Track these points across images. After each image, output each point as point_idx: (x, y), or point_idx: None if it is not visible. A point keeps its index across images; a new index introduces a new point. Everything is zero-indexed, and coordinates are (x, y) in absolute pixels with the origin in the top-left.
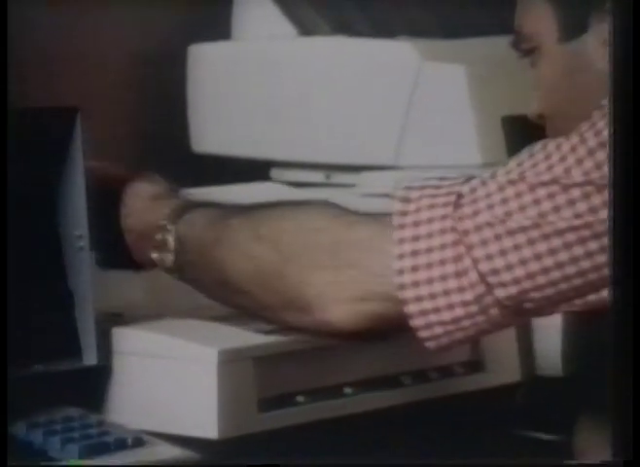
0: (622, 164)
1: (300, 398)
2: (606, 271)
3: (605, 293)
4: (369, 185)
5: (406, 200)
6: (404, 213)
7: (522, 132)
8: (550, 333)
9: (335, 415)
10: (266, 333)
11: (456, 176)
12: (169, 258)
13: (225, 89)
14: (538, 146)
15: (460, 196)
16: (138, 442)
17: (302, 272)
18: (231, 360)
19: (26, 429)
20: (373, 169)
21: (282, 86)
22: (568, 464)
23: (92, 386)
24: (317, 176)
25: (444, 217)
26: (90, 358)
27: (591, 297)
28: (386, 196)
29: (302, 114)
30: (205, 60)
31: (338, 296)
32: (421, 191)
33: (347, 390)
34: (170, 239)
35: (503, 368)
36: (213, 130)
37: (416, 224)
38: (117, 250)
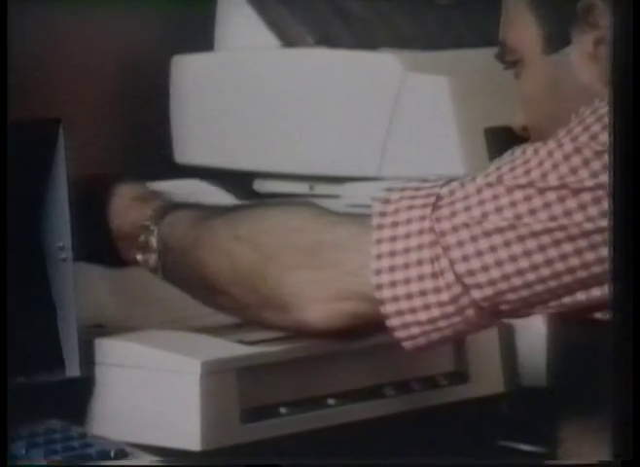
0: (621, 170)
1: (283, 409)
2: (580, 274)
3: (579, 296)
4: (352, 196)
5: (385, 202)
6: (383, 214)
7: (505, 144)
8: (534, 343)
9: (318, 427)
10: (249, 344)
11: (436, 178)
12: (152, 258)
13: (208, 100)
14: (517, 151)
15: (439, 197)
16: (121, 454)
17: (281, 272)
18: (213, 371)
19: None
20: (357, 180)
21: (265, 97)
22: (568, 464)
23: (75, 398)
24: (301, 187)
25: (422, 218)
26: (73, 370)
27: (566, 299)
28: (370, 206)
29: (285, 125)
30: (189, 71)
31: (316, 295)
32: (401, 192)
33: (330, 401)
34: (153, 240)
35: (487, 379)
36: (196, 141)
37: (395, 224)
38: (101, 247)
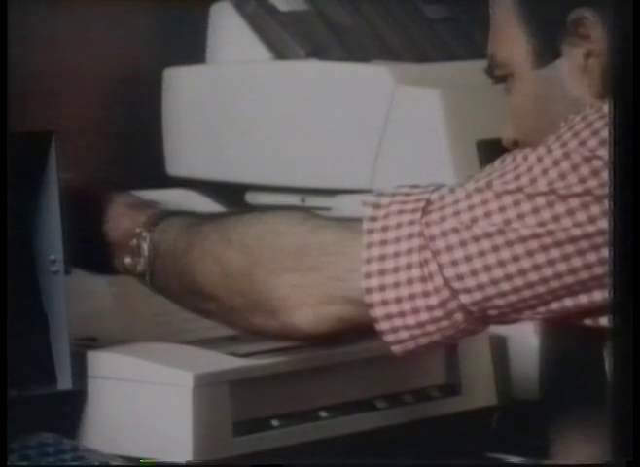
0: (621, 176)
1: (275, 422)
2: (567, 280)
3: (567, 302)
4: (344, 208)
5: (376, 206)
6: (373, 218)
7: (497, 155)
8: (526, 356)
9: (310, 439)
10: (242, 357)
11: (427, 184)
12: (142, 263)
13: (200, 113)
14: (508, 158)
15: (429, 202)
16: None
17: (268, 276)
18: (206, 384)
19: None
20: (348, 193)
21: (257, 109)
22: (569, 464)
23: (67, 411)
24: (292, 199)
25: (411, 222)
26: (65, 383)
27: (554, 305)
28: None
29: (276, 137)
30: (180, 84)
31: (304, 299)
32: (392, 197)
33: (322, 414)
34: (144, 246)
35: (479, 391)
36: (188, 154)
37: (385, 229)
38: (92, 254)
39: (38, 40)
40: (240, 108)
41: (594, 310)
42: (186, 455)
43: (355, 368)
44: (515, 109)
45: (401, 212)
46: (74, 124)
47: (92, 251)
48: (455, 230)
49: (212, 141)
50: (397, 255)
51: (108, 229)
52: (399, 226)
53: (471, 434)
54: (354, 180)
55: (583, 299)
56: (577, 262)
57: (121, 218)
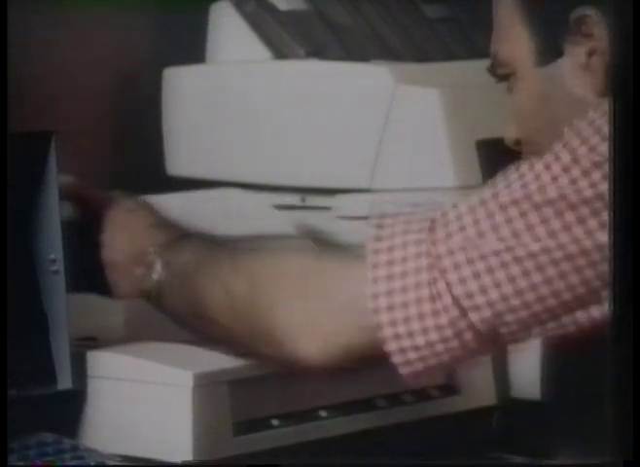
0: (621, 182)
1: (275, 421)
2: (579, 291)
3: (579, 315)
4: (344, 208)
5: (380, 226)
6: (378, 238)
7: (497, 155)
8: (526, 355)
9: (310, 439)
10: (242, 356)
11: (430, 204)
12: (152, 282)
13: (200, 113)
14: (511, 169)
15: (433, 221)
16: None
17: (272, 304)
18: (206, 384)
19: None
20: (349, 192)
21: (257, 109)
22: (568, 464)
23: (67, 411)
24: (293, 199)
25: (418, 241)
26: (65, 382)
27: (565, 319)
28: (361, 218)
29: (276, 137)
30: (180, 84)
31: (309, 329)
32: (395, 218)
33: (322, 414)
34: (158, 265)
35: (479, 391)
36: (188, 153)
37: (391, 249)
38: (95, 274)
39: (37, 40)
40: (240, 107)
41: (606, 325)
42: (186, 455)
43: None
44: (518, 108)
45: (406, 232)
46: (74, 123)
47: (104, 266)
48: (462, 247)
49: (212, 141)
50: (404, 274)
51: (127, 244)
52: (405, 245)
53: (470, 433)
54: (354, 180)
55: (595, 312)
56: (589, 273)
57: (141, 235)
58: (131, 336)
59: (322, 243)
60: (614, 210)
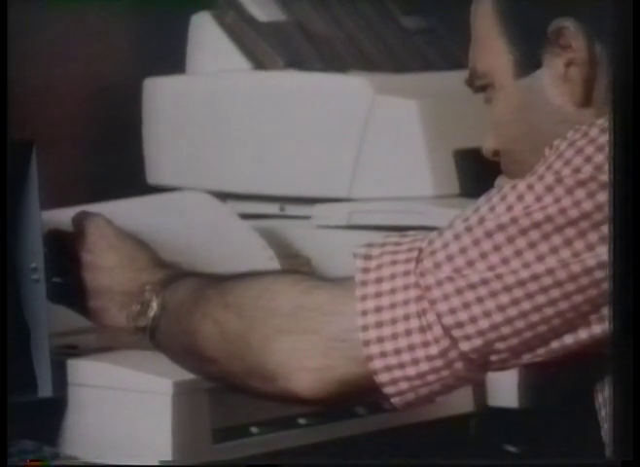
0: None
1: (254, 429)
2: (569, 316)
3: (567, 339)
4: (323, 217)
5: (367, 258)
6: (366, 270)
7: (474, 165)
8: None
9: (288, 446)
10: None
11: (415, 233)
12: (147, 319)
13: (179, 122)
14: (492, 191)
15: (421, 250)
16: None
17: (264, 339)
18: (185, 392)
19: None
20: (328, 201)
21: (236, 119)
22: (569, 464)
23: (48, 419)
24: (272, 208)
25: (406, 273)
26: (46, 390)
27: (555, 344)
28: (341, 227)
29: (256, 146)
30: (160, 94)
31: (302, 364)
32: (382, 248)
33: (301, 421)
34: (154, 303)
35: (456, 398)
36: (168, 163)
37: (379, 280)
38: (86, 299)
39: (19, 51)
40: (220, 117)
41: (593, 346)
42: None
43: None
44: (497, 118)
45: (394, 263)
46: (54, 133)
47: (99, 295)
48: (450, 278)
49: (192, 150)
50: (393, 306)
51: (126, 278)
52: (393, 277)
53: (448, 441)
54: (333, 189)
55: (583, 334)
56: (578, 298)
57: (141, 271)
58: (112, 344)
59: (310, 276)
60: (614, 227)
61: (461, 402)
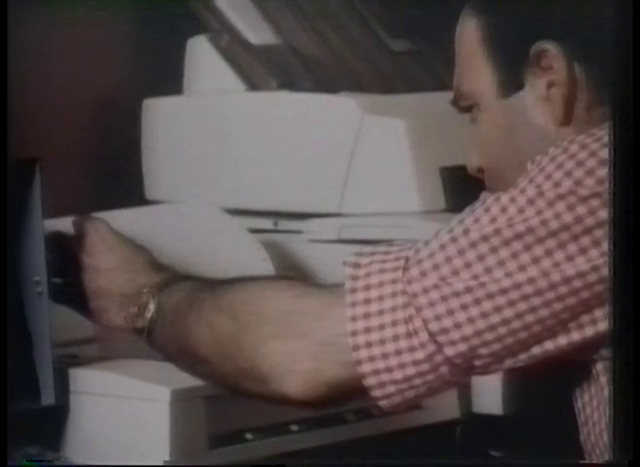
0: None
1: (249, 435)
2: (549, 323)
3: (547, 345)
4: (315, 231)
5: (356, 266)
6: (355, 278)
7: (460, 182)
8: None
9: (282, 452)
10: None
11: (403, 242)
12: (144, 320)
13: (177, 141)
14: (477, 203)
15: (407, 259)
16: None
17: (255, 343)
18: (182, 399)
19: None
20: (319, 216)
21: (231, 138)
22: (570, 464)
23: (51, 425)
24: (266, 223)
25: (393, 281)
26: (48, 398)
27: (535, 350)
28: (331, 241)
29: (250, 164)
30: (159, 114)
31: (292, 367)
32: (371, 257)
33: (294, 427)
34: (151, 305)
35: (441, 405)
36: (165, 179)
37: (367, 288)
38: (85, 299)
39: (22, 70)
40: (215, 136)
41: (572, 351)
42: None
43: None
44: (481, 137)
45: (382, 271)
46: (58, 151)
47: (99, 296)
48: (436, 286)
49: (188, 167)
50: (381, 313)
51: (124, 280)
52: (381, 284)
53: (434, 447)
54: (324, 204)
55: (562, 340)
56: (558, 306)
57: (139, 273)
58: (112, 353)
59: (301, 282)
60: (614, 234)
61: (447, 409)
